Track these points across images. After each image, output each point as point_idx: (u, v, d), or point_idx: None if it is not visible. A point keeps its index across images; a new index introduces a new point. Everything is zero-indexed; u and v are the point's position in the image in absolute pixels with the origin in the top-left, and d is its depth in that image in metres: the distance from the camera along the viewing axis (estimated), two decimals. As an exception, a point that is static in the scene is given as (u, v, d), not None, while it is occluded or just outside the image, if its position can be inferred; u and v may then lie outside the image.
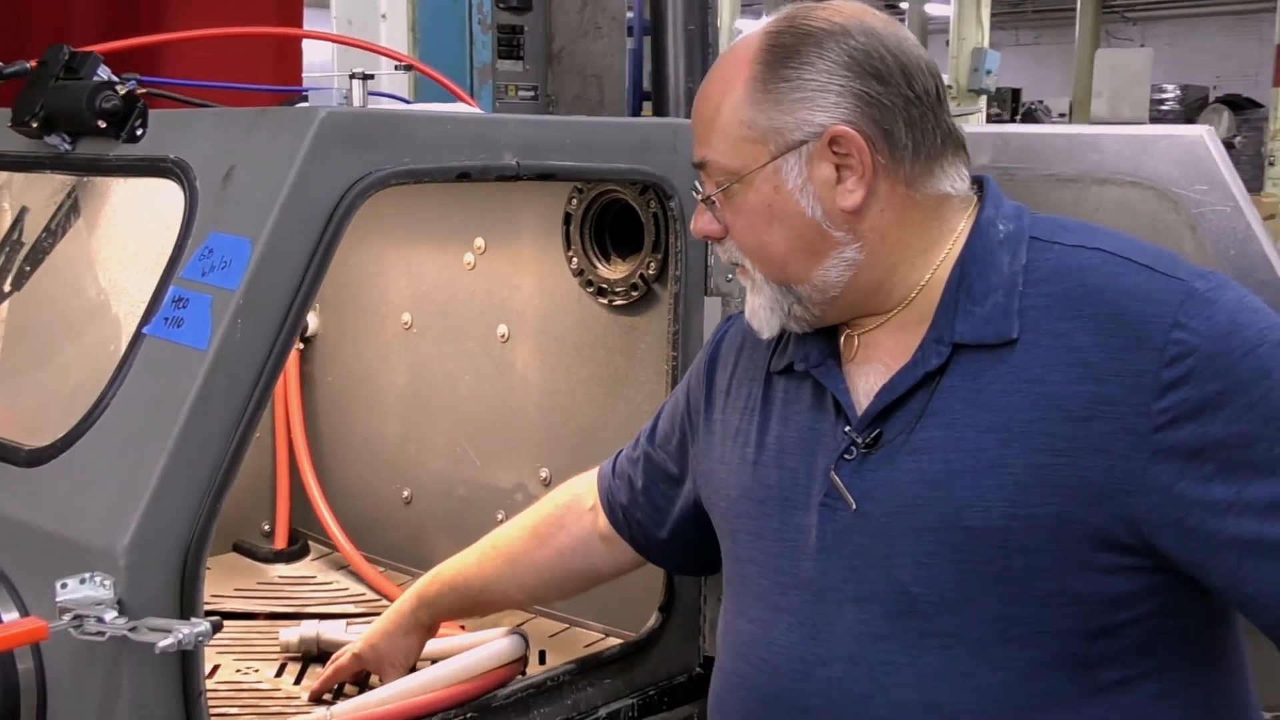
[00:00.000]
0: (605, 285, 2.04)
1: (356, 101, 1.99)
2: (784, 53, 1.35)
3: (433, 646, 1.89)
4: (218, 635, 1.40)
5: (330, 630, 2.03)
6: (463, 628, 2.06)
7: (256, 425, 1.44)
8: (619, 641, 1.99)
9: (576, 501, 1.79)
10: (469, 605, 1.88)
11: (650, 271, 1.98)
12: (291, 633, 2.03)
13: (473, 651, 1.78)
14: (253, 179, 1.49)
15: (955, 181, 1.38)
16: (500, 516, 2.21)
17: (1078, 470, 1.25)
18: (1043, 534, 1.26)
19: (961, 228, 1.38)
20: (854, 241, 1.36)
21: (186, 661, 1.39)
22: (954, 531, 1.29)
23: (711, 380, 1.60)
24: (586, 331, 2.09)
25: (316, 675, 1.94)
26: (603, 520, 1.74)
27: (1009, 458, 1.27)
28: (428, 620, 1.85)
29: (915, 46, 1.39)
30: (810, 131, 1.34)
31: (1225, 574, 1.24)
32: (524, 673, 1.83)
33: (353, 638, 1.95)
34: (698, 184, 1.45)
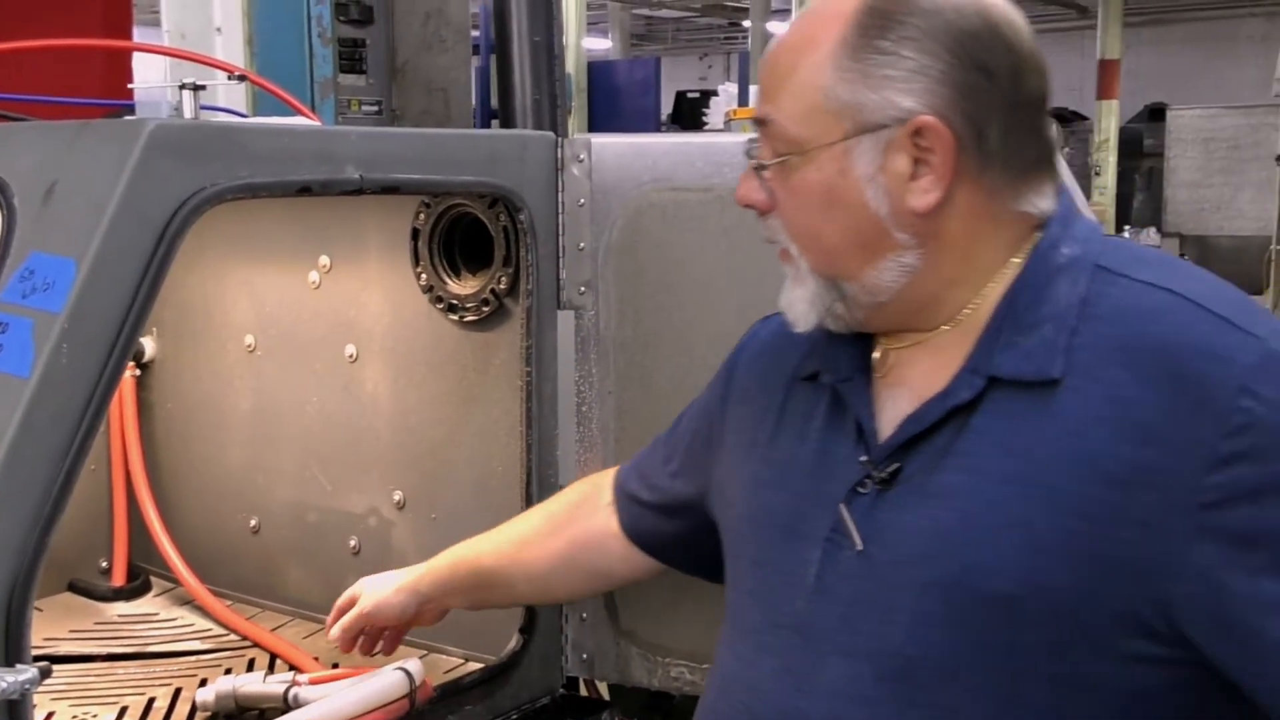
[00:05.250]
0: (456, 301, 2.00)
1: (188, 113, 1.90)
2: (883, 19, 1.17)
3: (316, 692, 1.80)
4: (52, 681, 1.32)
5: (248, 683, 1.86)
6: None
7: (86, 456, 1.35)
8: (480, 666, 1.94)
9: (594, 494, 1.67)
10: (474, 585, 1.72)
11: (501, 286, 1.94)
12: (206, 692, 1.87)
13: (354, 689, 1.70)
14: (76, 196, 1.42)
15: (1040, 201, 1.22)
16: (353, 542, 2.15)
17: (1108, 542, 1.10)
18: (1060, 608, 1.11)
19: (1025, 247, 1.22)
20: (916, 247, 1.20)
21: (14, 711, 1.31)
22: (958, 591, 1.14)
23: (729, 385, 1.47)
24: (438, 349, 2.04)
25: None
26: (616, 519, 1.63)
27: (1031, 516, 1.12)
28: (427, 590, 1.71)
29: (1031, 41, 1.21)
30: (894, 116, 1.16)
31: (1262, 679, 1.08)
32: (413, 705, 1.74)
33: (273, 687, 1.81)
34: (753, 144, 1.28)
